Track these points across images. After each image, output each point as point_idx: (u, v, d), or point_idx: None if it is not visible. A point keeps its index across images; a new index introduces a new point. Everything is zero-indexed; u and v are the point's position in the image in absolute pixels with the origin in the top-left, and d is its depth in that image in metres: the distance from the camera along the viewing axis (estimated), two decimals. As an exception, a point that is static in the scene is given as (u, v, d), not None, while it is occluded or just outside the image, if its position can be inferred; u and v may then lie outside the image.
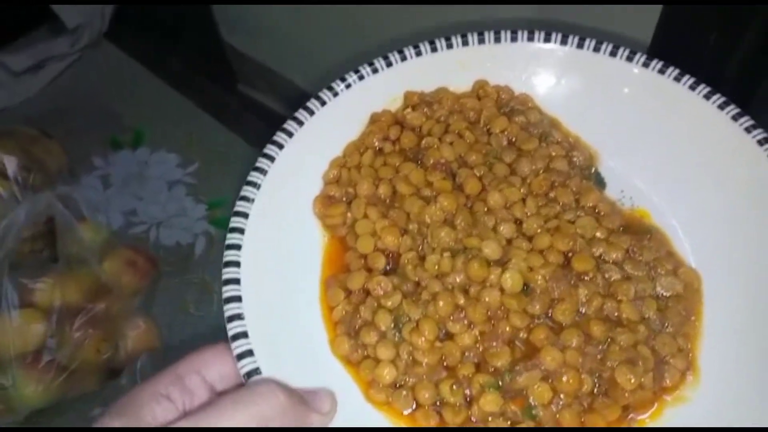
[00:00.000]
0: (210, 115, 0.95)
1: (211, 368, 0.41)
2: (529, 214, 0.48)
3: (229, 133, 0.93)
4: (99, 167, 0.93)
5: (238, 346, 0.41)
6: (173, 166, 0.92)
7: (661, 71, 0.50)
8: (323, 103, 0.51)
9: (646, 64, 0.51)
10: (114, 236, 0.78)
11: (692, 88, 0.49)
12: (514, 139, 0.52)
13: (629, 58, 0.51)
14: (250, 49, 0.96)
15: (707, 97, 0.49)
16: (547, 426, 0.41)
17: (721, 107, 0.48)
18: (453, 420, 0.42)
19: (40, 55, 1.00)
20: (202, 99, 0.98)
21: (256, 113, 0.94)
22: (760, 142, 0.46)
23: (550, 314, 0.44)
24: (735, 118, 0.48)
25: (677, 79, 0.50)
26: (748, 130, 0.47)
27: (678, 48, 0.58)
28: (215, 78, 1.01)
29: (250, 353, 0.41)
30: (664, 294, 0.46)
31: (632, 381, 0.41)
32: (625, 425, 0.42)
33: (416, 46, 0.53)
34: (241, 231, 0.46)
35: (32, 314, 0.65)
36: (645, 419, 0.42)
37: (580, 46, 0.52)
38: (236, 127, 0.88)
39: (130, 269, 0.74)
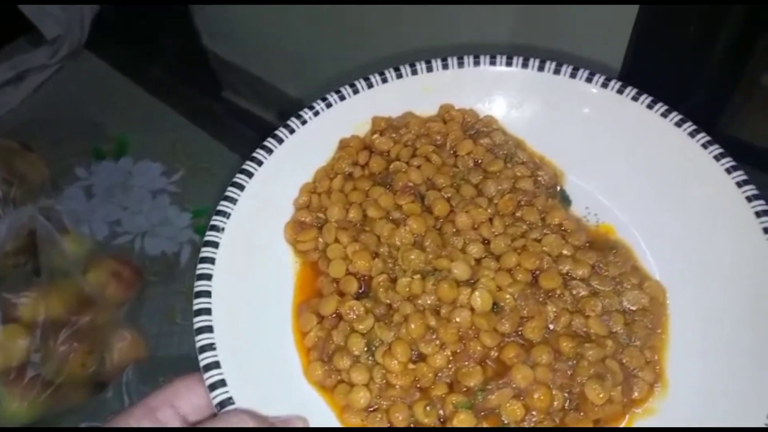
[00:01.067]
0: (193, 124, 0.96)
1: (183, 400, 0.41)
2: (496, 233, 0.49)
3: (213, 141, 0.93)
4: (82, 178, 0.92)
5: (211, 377, 0.41)
6: (157, 175, 0.92)
7: (620, 91, 0.52)
8: (292, 131, 0.52)
9: (605, 85, 0.52)
10: (98, 247, 0.78)
11: (650, 107, 0.51)
12: (480, 161, 0.53)
13: (588, 79, 0.53)
14: (232, 56, 0.96)
15: (664, 115, 0.50)
16: (520, 443, 0.42)
17: (678, 124, 0.50)
18: (427, 441, 0.42)
19: (19, 66, 1.00)
20: (185, 107, 0.97)
21: (241, 120, 0.94)
22: (716, 158, 0.48)
23: (520, 332, 0.45)
24: (692, 134, 0.49)
25: (635, 98, 0.52)
26: (704, 146, 0.49)
27: (647, 71, 0.60)
28: (198, 86, 1.00)
29: (222, 383, 0.41)
30: (631, 308, 0.47)
31: (601, 396, 0.42)
32: (597, 439, 0.42)
33: (381, 73, 0.54)
34: (212, 261, 0.46)
35: (16, 330, 0.64)
36: (616, 432, 0.42)
37: (540, 68, 0.54)
38: (220, 134, 0.89)
39: (115, 280, 0.73)
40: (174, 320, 0.77)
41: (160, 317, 0.78)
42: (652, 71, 0.59)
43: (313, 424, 0.42)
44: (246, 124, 0.95)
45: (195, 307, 0.44)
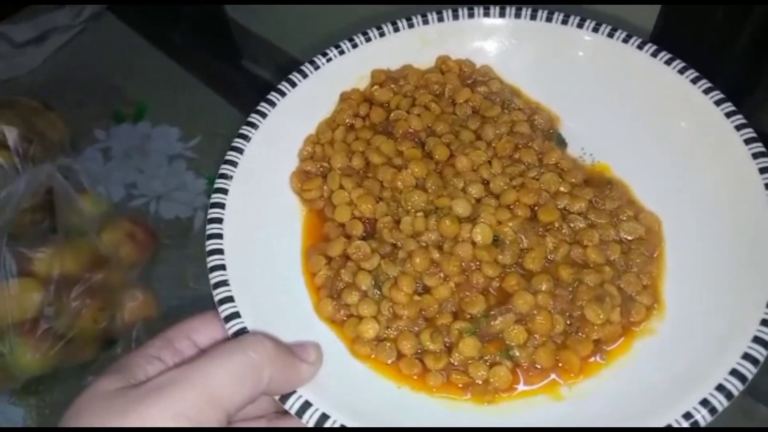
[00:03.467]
0: (212, 90, 0.96)
1: (200, 333, 0.42)
2: (495, 174, 0.51)
3: (231, 108, 0.94)
4: (100, 140, 0.94)
5: (225, 309, 0.43)
6: (174, 140, 0.93)
7: (610, 35, 0.54)
8: (294, 85, 0.54)
9: (595, 30, 0.54)
10: (114, 208, 0.79)
11: (640, 47, 0.53)
12: (477, 108, 0.55)
13: (579, 25, 0.54)
14: (253, 24, 0.97)
15: (654, 54, 0.52)
16: (524, 364, 0.43)
17: (668, 62, 0.51)
18: (435, 366, 0.44)
19: (42, 26, 1.00)
20: (205, 74, 0.98)
21: (259, 89, 0.95)
22: (706, 92, 0.49)
23: (520, 263, 0.47)
24: (681, 71, 0.51)
25: (625, 41, 0.53)
26: (693, 81, 0.50)
27: (680, 36, 0.61)
28: (218, 53, 1.01)
29: (237, 315, 0.43)
30: (627, 238, 0.48)
31: (601, 316, 0.44)
32: (597, 360, 0.44)
33: (379, 27, 0.56)
34: (222, 206, 0.48)
35: (30, 283, 0.66)
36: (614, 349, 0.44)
37: (533, 17, 0.55)
38: (238, 102, 0.89)
39: (130, 241, 0.75)
40: (186, 284, 0.79)
41: (172, 280, 0.79)
42: (684, 35, 0.60)
43: (325, 356, 0.43)
44: (264, 93, 0.96)
45: (207, 248, 0.46)
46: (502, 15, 0.56)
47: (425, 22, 0.56)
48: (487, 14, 0.56)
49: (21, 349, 0.65)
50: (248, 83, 0.98)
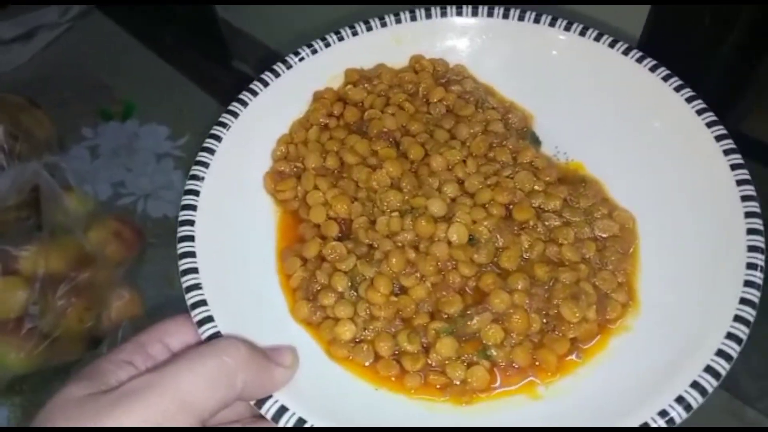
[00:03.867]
0: (201, 89, 0.96)
1: (173, 336, 0.42)
2: (470, 173, 0.50)
3: (220, 108, 0.93)
4: (88, 138, 0.93)
5: (198, 313, 0.42)
6: (162, 139, 0.93)
7: (582, 33, 0.54)
8: (266, 84, 0.53)
9: (567, 28, 0.54)
10: (101, 207, 0.79)
11: (611, 46, 0.53)
12: (451, 107, 0.54)
13: (551, 24, 0.55)
14: (243, 24, 0.96)
15: (625, 53, 0.52)
16: (502, 364, 0.43)
17: (639, 60, 0.52)
18: (412, 367, 0.43)
19: (29, 23, 0.99)
20: (194, 72, 0.97)
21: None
22: (677, 89, 0.50)
23: (496, 262, 0.47)
24: (652, 69, 0.51)
25: (596, 39, 0.53)
26: (664, 79, 0.51)
27: (668, 42, 0.61)
28: (208, 52, 1.00)
29: (210, 319, 0.42)
30: (602, 236, 0.49)
31: (577, 314, 0.44)
32: (574, 359, 0.44)
33: (352, 26, 0.55)
34: (193, 207, 0.47)
35: (15, 282, 0.65)
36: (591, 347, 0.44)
37: (505, 16, 0.56)
38: (227, 101, 0.89)
39: (116, 240, 0.74)
40: (173, 284, 0.78)
41: (158, 279, 0.79)
42: (672, 42, 0.61)
43: (301, 359, 0.43)
44: None
45: (179, 251, 0.45)
46: (474, 14, 0.56)
47: (398, 21, 0.56)
48: (459, 13, 0.56)
49: (5, 348, 0.65)
50: (237, 83, 0.98)
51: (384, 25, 0.56)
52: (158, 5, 1.01)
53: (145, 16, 1.04)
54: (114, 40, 1.03)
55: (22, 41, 1.01)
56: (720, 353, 0.39)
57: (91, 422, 0.32)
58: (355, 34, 0.55)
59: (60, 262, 0.67)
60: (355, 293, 0.46)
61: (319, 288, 0.47)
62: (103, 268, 0.70)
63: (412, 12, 0.56)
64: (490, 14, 0.56)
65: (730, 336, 0.40)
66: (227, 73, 1.00)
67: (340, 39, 0.55)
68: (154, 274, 0.79)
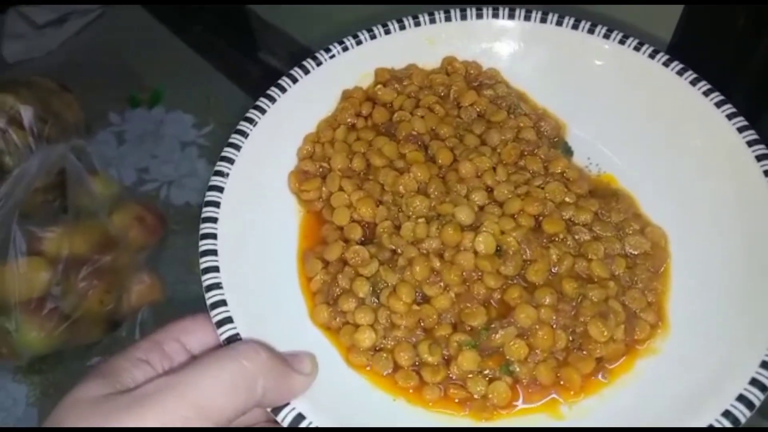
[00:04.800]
0: (228, 80, 0.97)
1: (190, 335, 0.41)
2: (499, 181, 0.49)
3: (246, 98, 0.95)
4: (115, 123, 0.94)
5: (217, 314, 0.41)
6: (188, 127, 0.94)
7: (621, 42, 0.52)
8: (295, 81, 0.52)
9: (606, 36, 0.53)
10: (125, 191, 0.80)
11: (651, 56, 0.51)
12: (483, 112, 0.53)
13: (590, 31, 0.53)
14: (272, 16, 0.97)
15: (666, 64, 0.51)
16: (524, 380, 0.42)
17: (680, 73, 0.50)
18: (432, 379, 0.42)
19: (62, 9, 1.01)
20: (222, 63, 0.99)
21: (275, 81, 0.95)
22: (717, 105, 0.48)
23: (523, 275, 0.45)
24: (693, 83, 0.50)
25: (636, 48, 0.52)
26: (705, 93, 0.49)
27: (698, 47, 0.60)
28: (236, 43, 1.01)
29: (229, 320, 0.41)
30: (633, 252, 0.47)
31: (605, 333, 0.42)
32: (599, 379, 0.43)
33: (384, 25, 0.54)
34: (217, 204, 0.46)
35: (39, 262, 0.66)
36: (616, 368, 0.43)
37: (543, 20, 0.54)
38: (253, 92, 0.90)
39: (139, 225, 0.75)
40: (193, 270, 0.78)
41: (179, 265, 0.80)
42: (703, 46, 0.59)
43: (319, 365, 0.42)
44: None
45: (200, 248, 0.44)
46: (511, 17, 0.54)
47: (432, 21, 0.55)
48: (496, 15, 0.55)
49: (27, 326, 0.66)
50: (264, 75, 0.99)
51: (418, 24, 0.54)
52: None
53: (176, 4, 1.05)
54: (144, 28, 1.05)
55: (55, 26, 1.02)
56: (754, 383, 0.38)
57: (105, 424, 0.31)
58: (387, 32, 0.54)
59: (83, 245, 0.68)
60: (376, 300, 0.45)
61: (339, 292, 0.46)
62: (125, 252, 0.71)
63: (446, 12, 0.55)
64: (527, 18, 0.54)
65: (765, 365, 0.38)
66: (254, 65, 1.00)
67: (372, 37, 0.54)
68: (174, 260, 0.80)
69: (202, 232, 0.45)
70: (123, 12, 1.06)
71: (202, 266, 0.43)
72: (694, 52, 0.57)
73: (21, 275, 0.65)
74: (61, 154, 0.64)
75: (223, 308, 0.42)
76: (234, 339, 0.40)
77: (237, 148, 0.49)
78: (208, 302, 0.42)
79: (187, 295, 0.77)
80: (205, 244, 0.44)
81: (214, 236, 0.45)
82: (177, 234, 0.82)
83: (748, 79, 0.61)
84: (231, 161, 0.48)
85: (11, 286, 0.64)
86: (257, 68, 1.00)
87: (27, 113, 0.67)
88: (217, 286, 0.42)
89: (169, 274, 0.78)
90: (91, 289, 0.67)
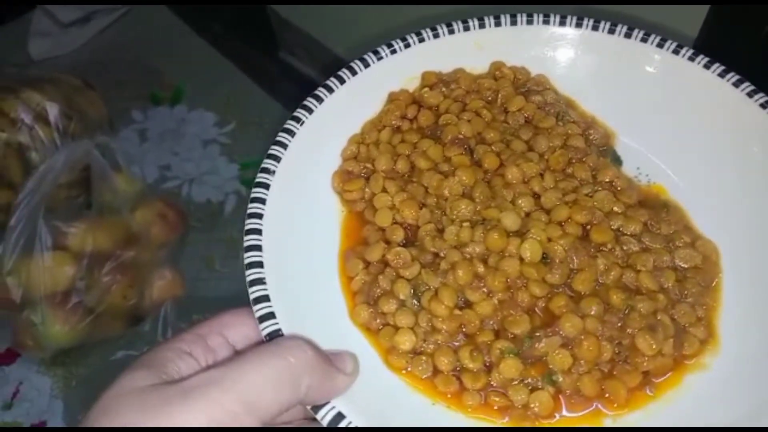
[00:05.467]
0: (250, 79, 0.98)
1: (232, 330, 0.41)
2: (546, 188, 0.48)
3: (267, 97, 0.96)
4: (137, 121, 0.96)
5: (260, 309, 0.41)
6: (210, 125, 0.95)
7: (675, 51, 0.51)
8: (342, 82, 0.52)
9: (660, 45, 0.52)
10: (147, 188, 0.82)
11: (707, 67, 0.50)
12: (530, 118, 0.52)
13: (644, 40, 0.52)
14: (293, 16, 0.98)
15: (722, 75, 0.50)
16: (567, 391, 0.41)
17: (736, 85, 0.49)
18: (473, 385, 0.42)
19: (87, 8, 1.03)
20: (244, 62, 1.00)
21: (295, 80, 0.96)
22: (776, 117, 0.47)
23: (569, 284, 0.45)
24: (750, 95, 0.48)
25: (691, 59, 0.51)
26: (763, 106, 0.48)
27: (725, 44, 0.58)
28: (257, 43, 1.03)
29: (272, 315, 0.41)
30: (683, 266, 0.46)
31: (653, 347, 0.41)
32: (645, 392, 0.42)
33: (434, 28, 0.54)
34: (263, 201, 0.46)
35: (64, 257, 0.68)
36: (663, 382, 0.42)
37: (594, 28, 0.53)
38: (274, 91, 0.91)
39: (161, 221, 0.76)
40: (213, 267, 0.80)
41: (199, 261, 0.81)
42: (730, 43, 0.58)
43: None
44: (299, 84, 0.96)
45: (245, 244, 0.44)
46: (562, 24, 0.54)
47: (482, 26, 0.54)
48: (546, 22, 0.54)
49: (51, 320, 0.67)
50: (284, 74, 0.99)
51: (467, 28, 0.54)
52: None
53: (198, 4, 1.06)
54: (167, 27, 1.07)
55: (80, 25, 1.04)
56: (811, 405, 0.36)
57: (157, 414, 0.31)
58: (436, 36, 0.54)
59: (107, 240, 0.69)
60: (417, 302, 0.45)
61: (380, 293, 0.45)
62: (148, 248, 0.72)
63: (497, 18, 0.54)
64: (578, 25, 0.53)
65: (822, 387, 0.37)
66: (274, 63, 1.01)
67: (421, 40, 0.54)
68: (195, 257, 0.82)
69: (247, 228, 0.45)
70: (146, 11, 1.08)
71: (246, 261, 0.43)
72: (720, 51, 0.55)
73: (46, 269, 0.66)
74: (85, 151, 0.66)
75: (266, 303, 0.41)
76: (276, 334, 0.40)
77: (284, 146, 0.49)
78: (252, 297, 0.42)
79: (206, 292, 0.78)
80: (250, 240, 0.44)
81: (259, 232, 0.45)
82: (197, 231, 0.84)
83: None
84: (277, 159, 0.48)
85: (37, 280, 0.66)
86: (277, 67, 1.01)
87: (53, 110, 0.68)
88: (261, 281, 0.42)
89: (189, 269, 0.80)
90: (115, 283, 0.68)
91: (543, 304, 0.44)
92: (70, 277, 0.67)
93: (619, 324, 0.43)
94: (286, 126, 0.50)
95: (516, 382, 0.42)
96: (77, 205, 0.71)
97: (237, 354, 0.40)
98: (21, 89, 0.71)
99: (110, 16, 1.06)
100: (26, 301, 0.66)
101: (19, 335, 0.70)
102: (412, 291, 0.45)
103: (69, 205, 0.70)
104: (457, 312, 0.44)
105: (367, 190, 0.50)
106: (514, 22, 0.54)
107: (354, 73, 0.53)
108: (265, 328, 0.40)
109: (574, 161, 0.50)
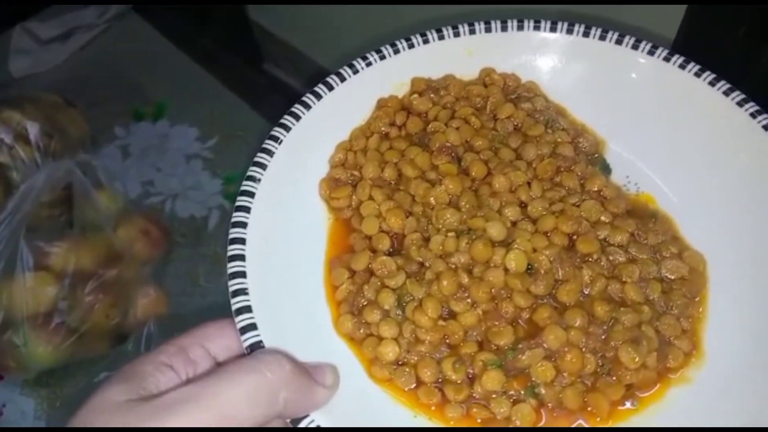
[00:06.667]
0: (232, 92, 0.98)
1: (214, 341, 0.41)
2: (534, 197, 0.48)
3: (250, 111, 0.96)
4: (120, 137, 0.96)
5: (242, 320, 0.41)
6: (192, 140, 0.95)
7: (666, 59, 0.51)
8: (330, 88, 0.52)
9: (651, 52, 0.51)
10: (130, 205, 0.81)
11: (697, 75, 0.50)
12: (520, 126, 0.52)
13: (634, 47, 0.52)
14: (277, 29, 0.97)
15: (712, 84, 0.49)
16: (550, 404, 0.41)
17: (726, 93, 0.48)
18: (455, 397, 0.41)
19: (67, 24, 1.02)
20: (226, 76, 0.99)
21: (280, 92, 0.95)
22: (765, 127, 0.46)
23: (553, 294, 0.44)
24: (740, 104, 0.48)
25: (682, 66, 0.50)
26: (753, 115, 0.47)
27: (703, 45, 0.58)
28: (240, 56, 1.02)
29: (253, 327, 0.41)
30: (669, 277, 0.46)
31: (636, 360, 0.41)
32: (628, 406, 0.41)
33: (423, 34, 0.54)
34: (247, 209, 0.46)
35: (46, 277, 0.67)
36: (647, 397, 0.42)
37: (585, 35, 0.53)
38: (258, 105, 0.90)
39: (144, 238, 0.76)
40: (197, 282, 0.79)
41: (184, 278, 0.80)
42: (708, 44, 0.57)
43: (341, 375, 0.41)
44: (284, 97, 0.95)
45: (229, 253, 0.44)
46: (552, 29, 0.53)
47: (472, 31, 0.54)
48: (537, 27, 0.54)
49: (34, 341, 0.66)
50: (268, 86, 0.99)
51: (457, 34, 0.54)
52: (193, 6, 1.02)
53: (180, 18, 1.06)
54: (148, 42, 1.06)
55: (60, 41, 1.04)
56: (793, 422, 0.36)
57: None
58: (426, 42, 0.54)
59: (89, 259, 0.69)
60: (401, 313, 0.45)
61: (365, 303, 0.45)
62: (131, 266, 0.71)
63: (487, 23, 0.54)
64: (569, 31, 0.53)
65: (805, 404, 0.37)
66: (258, 76, 1.01)
67: (411, 46, 0.53)
68: (179, 273, 0.81)
69: (231, 236, 0.45)
70: (127, 26, 1.08)
71: (230, 271, 0.43)
72: (698, 53, 0.55)
73: (28, 290, 0.66)
74: (67, 169, 0.65)
75: (248, 314, 0.41)
76: (257, 346, 0.40)
77: (270, 154, 0.49)
78: (234, 307, 0.42)
79: (191, 308, 0.77)
80: (233, 249, 0.44)
81: (242, 241, 0.45)
82: (181, 247, 0.83)
83: (753, 83, 0.59)
84: (263, 167, 0.48)
85: (19, 301, 0.65)
86: (261, 79, 1.00)
87: (33, 129, 0.68)
88: (243, 291, 0.42)
89: (173, 286, 0.79)
90: (98, 303, 0.68)
91: (527, 316, 0.44)
92: (53, 298, 0.67)
93: (603, 336, 0.43)
94: (273, 133, 0.50)
95: (498, 395, 0.42)
96: (59, 224, 0.71)
97: (218, 366, 0.40)
98: (0, 109, 0.71)
99: (90, 32, 1.06)
100: (8, 322, 0.65)
101: (1, 357, 0.70)
102: (396, 301, 0.45)
103: (51, 224, 0.70)
104: (440, 323, 0.44)
105: (354, 197, 0.50)
106: (504, 28, 0.54)
107: (343, 79, 0.52)
108: (246, 339, 0.40)
109: (562, 170, 0.50)
